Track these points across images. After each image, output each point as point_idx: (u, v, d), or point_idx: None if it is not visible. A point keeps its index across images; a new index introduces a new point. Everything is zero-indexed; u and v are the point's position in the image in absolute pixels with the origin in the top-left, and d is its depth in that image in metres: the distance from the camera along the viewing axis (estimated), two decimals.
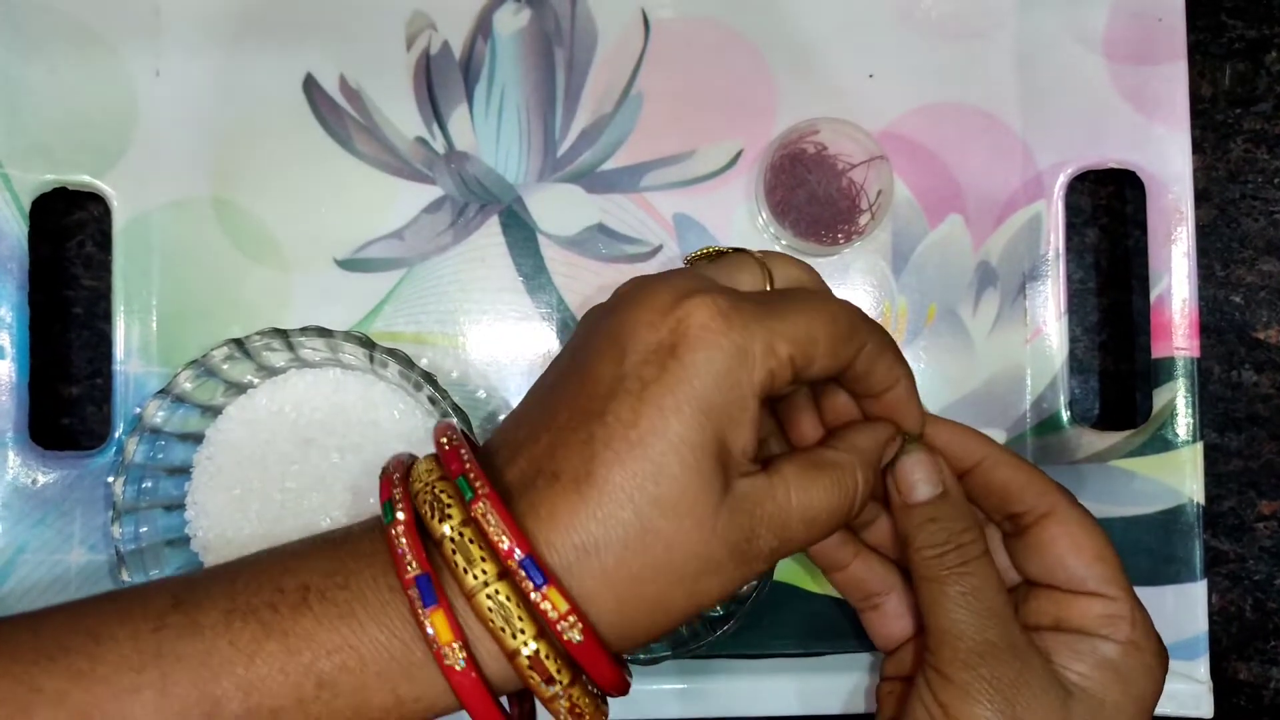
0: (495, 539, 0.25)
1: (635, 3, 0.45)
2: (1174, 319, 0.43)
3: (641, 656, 0.41)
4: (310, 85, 0.44)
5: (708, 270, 0.31)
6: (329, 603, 0.26)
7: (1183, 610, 0.43)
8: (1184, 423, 0.43)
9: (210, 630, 0.25)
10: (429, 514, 0.26)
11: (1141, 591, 0.43)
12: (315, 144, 0.44)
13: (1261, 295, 0.48)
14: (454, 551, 0.25)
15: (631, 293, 0.28)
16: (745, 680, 0.44)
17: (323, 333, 0.39)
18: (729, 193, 0.45)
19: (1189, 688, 0.42)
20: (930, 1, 0.45)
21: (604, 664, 0.26)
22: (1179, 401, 0.43)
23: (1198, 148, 0.47)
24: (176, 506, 0.41)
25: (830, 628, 0.44)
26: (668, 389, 0.26)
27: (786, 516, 0.28)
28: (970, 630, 0.31)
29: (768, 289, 0.31)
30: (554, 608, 0.25)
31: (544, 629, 0.26)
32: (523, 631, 0.25)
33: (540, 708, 0.28)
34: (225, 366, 0.40)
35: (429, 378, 0.39)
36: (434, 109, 0.45)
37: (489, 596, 0.25)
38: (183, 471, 0.41)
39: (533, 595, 0.25)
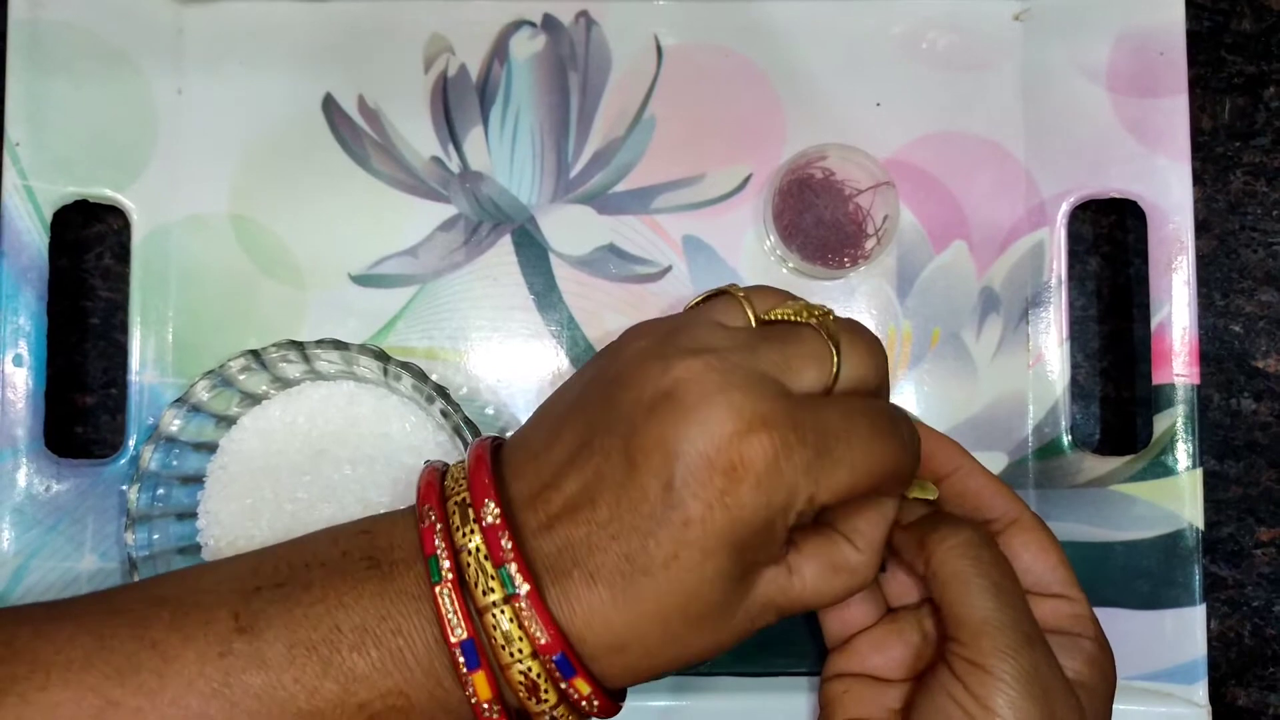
0: (533, 632, 0.27)
1: (648, 30, 0.46)
2: (1174, 346, 0.44)
3: None
4: (329, 105, 0.45)
5: (774, 348, 0.29)
6: (384, 649, 0.28)
7: (1182, 635, 0.43)
8: (1183, 449, 0.44)
9: (275, 665, 0.27)
10: (473, 581, 0.28)
11: (1141, 615, 0.43)
12: (333, 162, 0.45)
13: (1260, 325, 0.48)
14: (494, 627, 0.28)
15: (695, 393, 0.27)
16: (743, 699, 0.44)
17: (338, 345, 0.40)
18: (738, 216, 0.46)
19: (1188, 712, 0.43)
20: (935, 33, 0.46)
21: (609, 712, 0.29)
22: (1179, 428, 0.44)
23: (1198, 179, 0.48)
24: (189, 515, 0.41)
25: None
26: (711, 533, 0.27)
27: (792, 605, 0.30)
28: (1008, 622, 0.31)
29: (832, 383, 0.29)
30: (578, 692, 0.28)
31: (564, 696, 0.28)
32: (546, 698, 0.28)
33: None
34: (242, 377, 0.40)
35: (442, 391, 0.39)
36: (450, 130, 0.46)
37: (522, 672, 0.28)
38: (196, 480, 0.42)
39: (561, 684, 0.28)
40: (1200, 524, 0.43)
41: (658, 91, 0.46)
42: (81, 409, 0.47)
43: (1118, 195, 0.45)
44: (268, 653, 0.27)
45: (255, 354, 0.40)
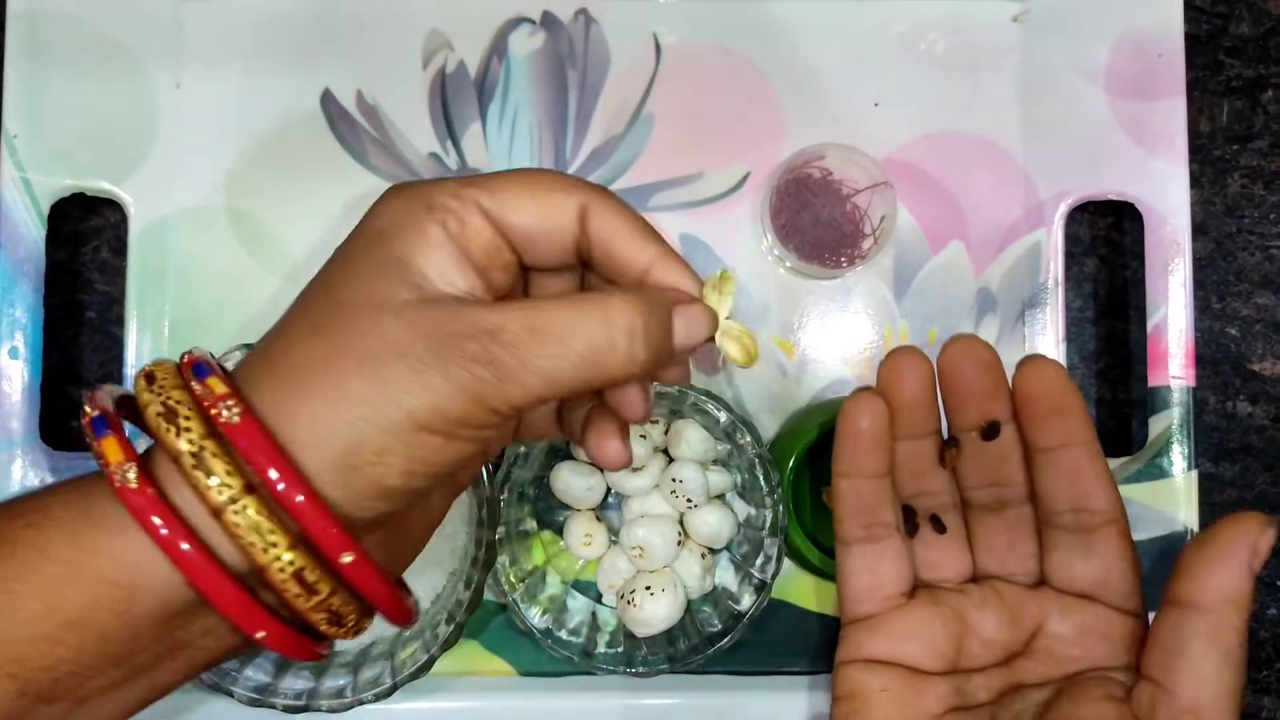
0: (184, 376, 0.25)
1: (647, 27, 0.46)
2: (1170, 348, 0.44)
3: (640, 669, 0.41)
4: (328, 100, 0.45)
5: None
6: (38, 493, 0.25)
7: None
8: (1179, 451, 0.44)
9: None
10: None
11: None
12: (331, 158, 0.45)
13: (1257, 328, 0.48)
14: (144, 391, 0.24)
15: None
16: (739, 697, 0.44)
17: None
18: (735, 214, 0.46)
19: None
20: (934, 34, 0.47)
21: (292, 476, 0.23)
22: (1174, 430, 0.44)
23: (1195, 182, 0.48)
24: None
25: (829, 647, 0.44)
26: (350, 238, 0.27)
27: (502, 321, 0.24)
28: (1237, 693, 0.30)
29: None
30: (210, 392, 0.24)
31: (298, 538, 0.24)
32: (195, 438, 0.24)
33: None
34: None
35: None
36: (448, 126, 0.46)
37: (162, 403, 0.24)
38: None
39: (195, 387, 0.24)
40: (1195, 526, 0.43)
41: (656, 89, 0.46)
42: (77, 402, 0.47)
43: (1115, 197, 0.45)
44: None
45: (251, 348, 0.40)
